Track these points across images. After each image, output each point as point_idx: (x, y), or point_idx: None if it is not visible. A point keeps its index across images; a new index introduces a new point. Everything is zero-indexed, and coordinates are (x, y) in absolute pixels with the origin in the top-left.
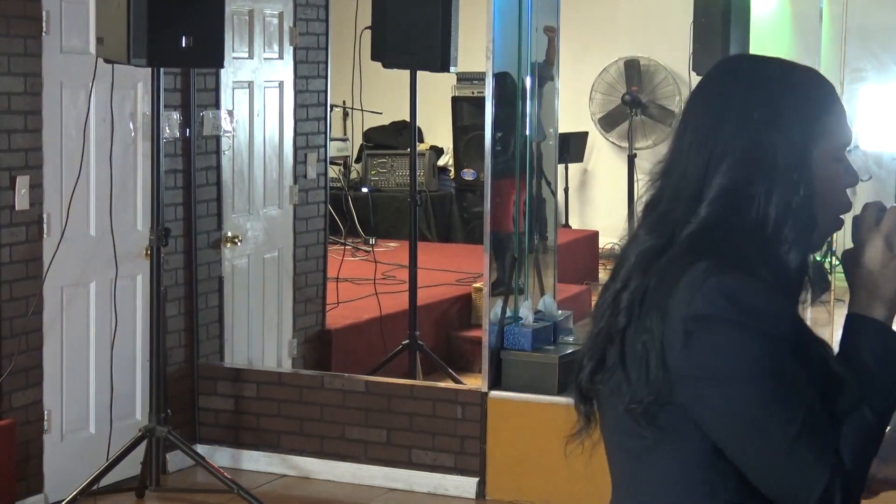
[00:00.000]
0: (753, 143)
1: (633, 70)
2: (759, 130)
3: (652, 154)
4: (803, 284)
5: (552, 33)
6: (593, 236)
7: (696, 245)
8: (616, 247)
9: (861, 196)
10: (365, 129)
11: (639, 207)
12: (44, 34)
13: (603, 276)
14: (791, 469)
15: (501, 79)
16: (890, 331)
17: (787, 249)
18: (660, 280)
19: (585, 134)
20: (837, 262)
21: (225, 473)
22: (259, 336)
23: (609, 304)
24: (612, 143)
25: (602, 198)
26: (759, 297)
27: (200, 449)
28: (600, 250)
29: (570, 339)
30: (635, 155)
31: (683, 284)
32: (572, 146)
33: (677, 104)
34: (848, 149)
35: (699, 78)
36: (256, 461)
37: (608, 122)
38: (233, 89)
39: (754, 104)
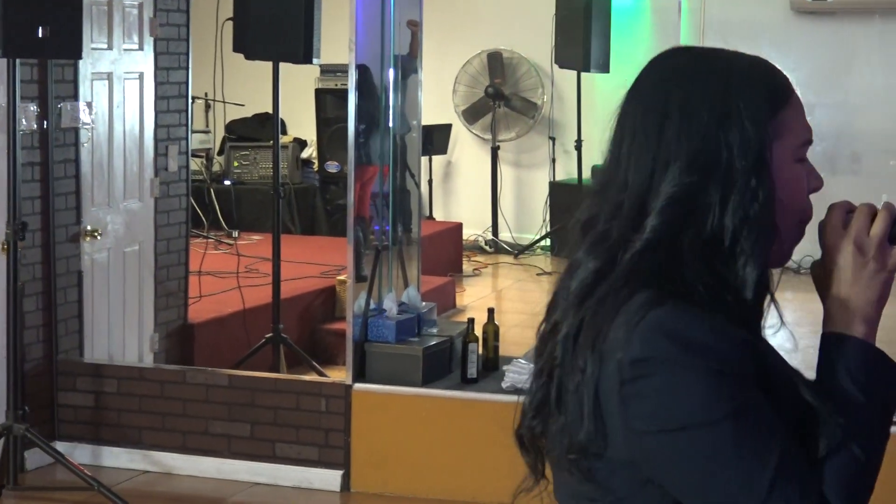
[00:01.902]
0: (704, 145)
1: (496, 62)
2: (710, 130)
3: (514, 146)
4: (763, 304)
5: (415, 27)
6: (457, 228)
7: (637, 270)
8: (480, 238)
9: None
10: (227, 121)
11: (575, 227)
12: None
13: (467, 267)
14: (790, 492)
15: (364, 71)
16: (871, 349)
17: (744, 263)
18: (594, 314)
19: (449, 126)
20: None
21: (85, 471)
22: (120, 331)
23: (547, 339)
24: (476, 135)
25: (466, 190)
26: (706, 332)
27: (60, 446)
28: (464, 242)
29: (434, 330)
30: (498, 147)
31: (620, 321)
32: (436, 138)
33: (540, 96)
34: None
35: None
36: (117, 458)
37: (471, 115)
38: (91, 81)
39: (701, 101)
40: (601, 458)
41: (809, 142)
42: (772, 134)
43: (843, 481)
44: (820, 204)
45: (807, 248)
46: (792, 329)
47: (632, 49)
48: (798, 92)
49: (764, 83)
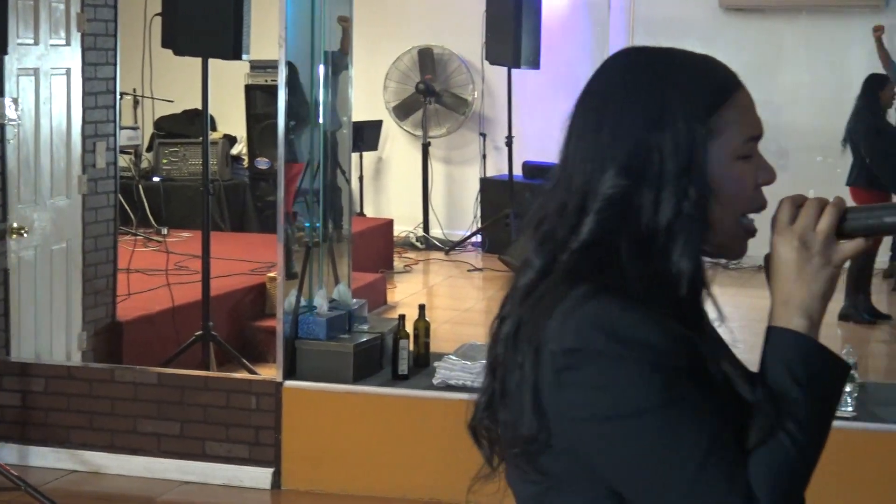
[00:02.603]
0: (636, 148)
1: (427, 59)
2: (643, 132)
3: (445, 142)
4: (700, 299)
5: (346, 23)
6: (388, 225)
7: (576, 267)
8: (411, 235)
9: None
10: (156, 117)
11: (528, 226)
12: None
13: (398, 263)
14: (707, 487)
15: (294, 67)
16: (810, 343)
17: (678, 259)
18: (533, 309)
19: (380, 122)
20: None
21: (11, 471)
22: (47, 329)
23: (493, 336)
24: (407, 131)
25: (397, 186)
26: (638, 324)
27: None
28: (395, 238)
29: (365, 327)
30: (429, 143)
31: (557, 314)
32: (366, 135)
33: (470, 92)
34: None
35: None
36: (45, 457)
37: (402, 111)
38: (17, 76)
39: (635, 103)
40: (547, 449)
41: (756, 137)
42: (708, 133)
43: (771, 474)
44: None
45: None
46: (724, 324)
47: (562, 46)
48: None
49: (702, 83)
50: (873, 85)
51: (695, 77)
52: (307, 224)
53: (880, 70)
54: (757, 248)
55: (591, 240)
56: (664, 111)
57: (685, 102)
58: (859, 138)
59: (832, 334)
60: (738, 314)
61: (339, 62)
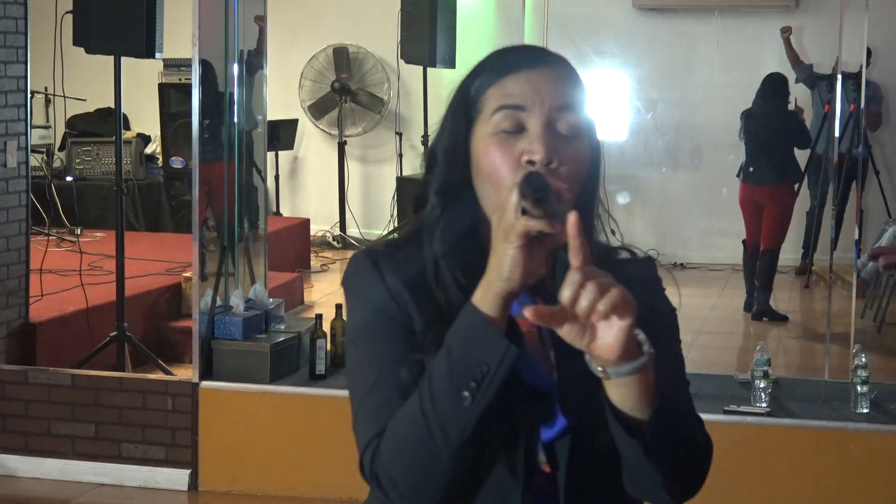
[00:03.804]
0: (434, 139)
1: (342, 57)
2: (439, 126)
3: (361, 141)
4: (461, 263)
5: (262, 22)
6: (305, 224)
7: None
8: (327, 234)
9: None
10: (68, 116)
11: None
12: None
13: (315, 262)
14: (355, 429)
15: (208, 66)
16: (472, 313)
17: (440, 233)
18: None
19: (295, 121)
20: None
21: None
22: None
23: None
24: (323, 130)
25: (313, 185)
26: (361, 272)
27: None
28: (312, 238)
29: (282, 327)
30: (345, 142)
31: None
32: (282, 133)
33: (386, 91)
34: (520, 119)
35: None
36: None
37: (318, 110)
38: None
39: (449, 99)
40: None
41: (507, 106)
42: (474, 115)
43: (392, 431)
44: (669, 198)
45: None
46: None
47: (477, 44)
48: (636, 88)
49: (478, 71)
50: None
51: (477, 68)
52: (222, 223)
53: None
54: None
55: (416, 219)
56: (452, 102)
57: (462, 91)
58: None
59: (745, 331)
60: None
61: (254, 61)
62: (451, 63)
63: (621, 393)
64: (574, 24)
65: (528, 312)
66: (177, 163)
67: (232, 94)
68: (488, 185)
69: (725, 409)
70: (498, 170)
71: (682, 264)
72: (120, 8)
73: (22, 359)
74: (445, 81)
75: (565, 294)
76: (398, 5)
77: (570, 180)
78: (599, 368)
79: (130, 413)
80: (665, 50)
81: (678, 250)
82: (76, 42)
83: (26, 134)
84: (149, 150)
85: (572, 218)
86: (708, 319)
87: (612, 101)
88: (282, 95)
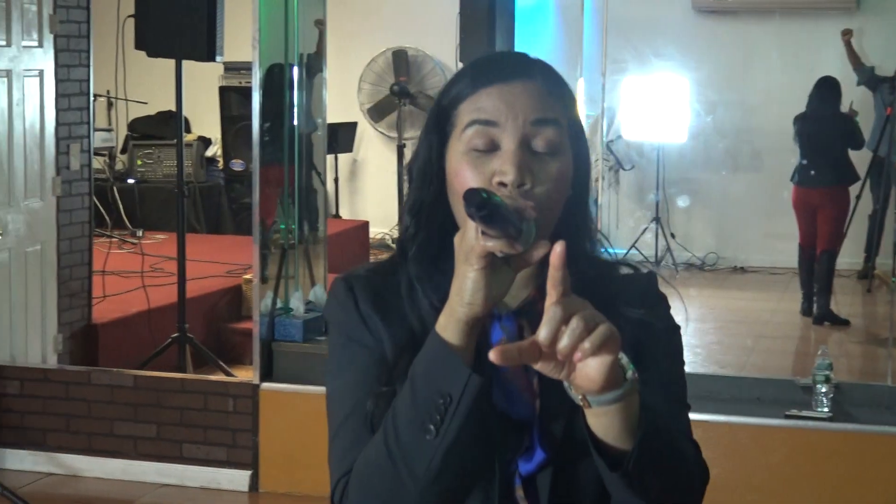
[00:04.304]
0: (409, 158)
1: (401, 60)
2: (416, 145)
3: None
4: (436, 285)
5: (322, 26)
6: (363, 226)
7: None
8: (387, 236)
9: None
10: (130, 119)
11: None
12: None
13: None
14: (329, 464)
15: (269, 69)
16: (436, 342)
17: (413, 253)
18: None
19: (354, 124)
20: (603, 250)
21: None
22: (22, 332)
23: None
24: (382, 133)
25: (372, 188)
26: (337, 299)
27: None
28: (371, 240)
29: None
30: (404, 145)
31: None
32: (341, 136)
33: None
34: (492, 136)
35: None
36: (21, 460)
37: (377, 113)
38: None
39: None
40: None
41: (478, 122)
42: (448, 130)
43: (359, 466)
44: (729, 201)
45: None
46: (696, 325)
47: (536, 47)
48: (695, 90)
49: (453, 82)
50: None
51: (451, 83)
52: (283, 226)
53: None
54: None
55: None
56: (428, 119)
57: (436, 107)
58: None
59: (806, 335)
60: (714, 315)
61: (313, 64)
62: None
63: (603, 422)
64: (633, 27)
65: (493, 355)
66: (237, 165)
67: (292, 98)
68: (461, 205)
69: (786, 413)
70: (465, 185)
71: (741, 268)
72: (181, 11)
73: (85, 360)
74: None
75: (542, 332)
76: (457, 8)
77: (547, 200)
78: (579, 396)
79: (192, 414)
80: (724, 52)
81: (738, 254)
82: (138, 45)
83: (89, 137)
84: (209, 152)
85: (559, 248)
86: (768, 323)
87: (671, 104)
88: (341, 98)
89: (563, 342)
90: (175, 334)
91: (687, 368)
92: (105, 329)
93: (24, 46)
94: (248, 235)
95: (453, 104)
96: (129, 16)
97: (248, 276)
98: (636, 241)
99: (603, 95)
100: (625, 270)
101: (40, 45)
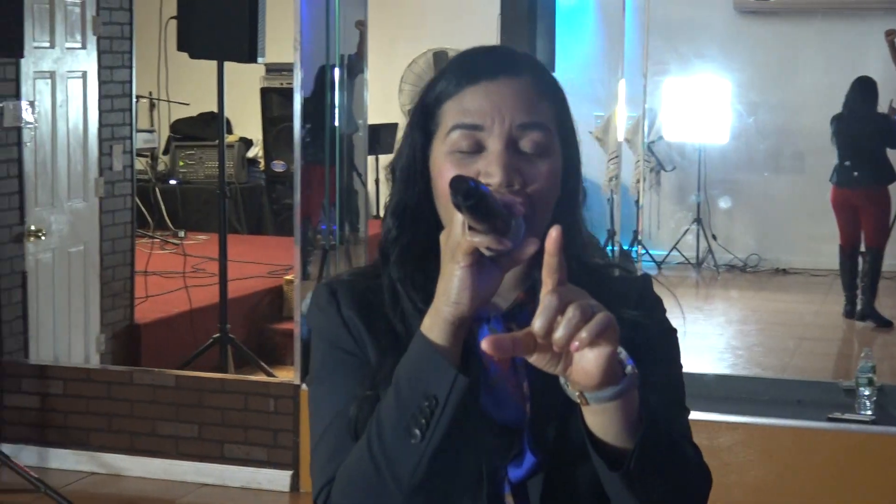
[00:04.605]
0: (393, 157)
1: (442, 61)
2: (399, 144)
3: None
4: (419, 287)
5: (363, 27)
6: None
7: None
8: None
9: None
10: (172, 120)
11: None
12: None
13: None
14: (312, 464)
15: (310, 70)
16: (421, 343)
17: (395, 255)
18: None
19: (395, 125)
20: (644, 251)
21: (31, 472)
22: (65, 332)
23: None
24: None
25: None
26: (319, 305)
27: (5, 448)
28: None
29: None
30: None
31: None
32: (382, 137)
33: None
34: (476, 138)
35: None
36: (64, 459)
37: None
38: (34, 79)
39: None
40: None
41: (462, 126)
42: (433, 129)
43: (345, 470)
44: (771, 203)
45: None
46: (738, 327)
47: (577, 48)
48: (737, 91)
49: (437, 79)
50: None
51: (435, 79)
52: (324, 227)
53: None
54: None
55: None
56: (411, 117)
57: (420, 105)
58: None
59: (849, 338)
60: (756, 317)
61: (354, 65)
62: (550, 66)
63: (601, 420)
64: (675, 28)
65: (485, 344)
66: (278, 166)
67: (333, 99)
68: (445, 207)
69: (829, 416)
70: (445, 186)
71: (783, 270)
72: (223, 13)
73: (127, 359)
74: None
75: (537, 323)
76: (498, 9)
77: (538, 199)
78: (576, 393)
79: (233, 414)
80: (766, 53)
81: (780, 255)
82: (180, 47)
83: (131, 138)
84: (251, 153)
85: (554, 233)
86: (810, 325)
87: (712, 105)
88: (382, 99)
89: (559, 332)
90: (216, 335)
91: (730, 371)
92: (147, 329)
93: (68, 48)
94: (290, 236)
95: (437, 102)
96: (172, 17)
97: (289, 277)
98: (677, 243)
99: (644, 97)
100: (618, 273)
101: (83, 47)
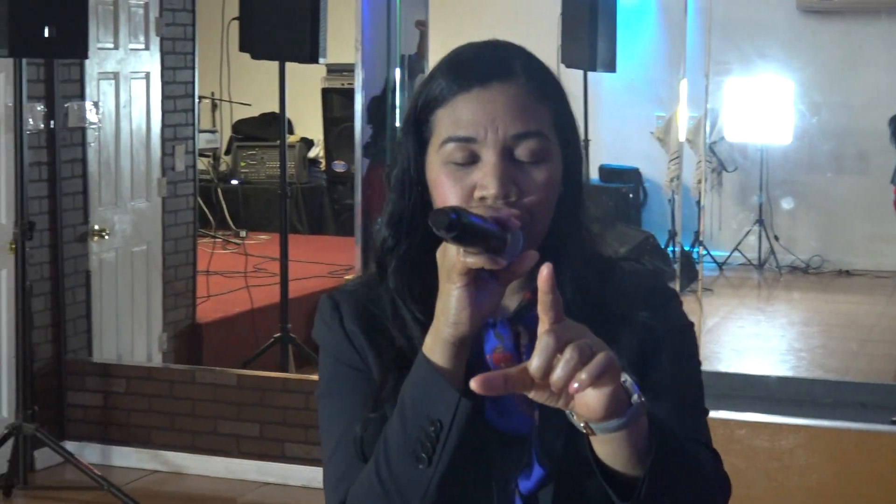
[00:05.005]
0: (389, 164)
1: None
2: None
3: None
4: (418, 298)
5: (423, 27)
6: None
7: None
8: None
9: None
10: (234, 120)
11: None
12: None
13: None
14: (324, 483)
15: (371, 71)
16: (422, 364)
17: (392, 267)
18: None
19: None
20: (705, 252)
21: (94, 470)
22: (128, 331)
23: None
24: None
25: None
26: (323, 317)
27: (69, 446)
28: None
29: None
30: None
31: None
32: None
33: None
34: (471, 147)
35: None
36: (127, 457)
37: None
38: (98, 80)
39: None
40: None
41: (455, 139)
42: (427, 136)
43: (355, 492)
44: (834, 204)
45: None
46: (800, 329)
47: (638, 48)
48: (800, 91)
49: (428, 81)
50: None
51: (426, 81)
52: None
53: None
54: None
55: None
56: (404, 121)
57: (412, 109)
58: None
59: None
60: (818, 318)
61: (415, 66)
62: (611, 67)
63: (609, 449)
64: (737, 27)
65: (474, 384)
66: (339, 166)
67: (394, 99)
68: None
69: (893, 419)
70: (443, 200)
71: (846, 271)
72: (285, 14)
73: (189, 358)
74: (606, 86)
75: (534, 363)
76: (559, 9)
77: (537, 209)
78: (581, 424)
79: (294, 413)
80: (830, 52)
81: (843, 257)
82: (242, 48)
83: (193, 138)
84: (312, 154)
85: (545, 271)
86: (874, 327)
87: (775, 105)
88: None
89: (557, 374)
90: (278, 334)
91: (792, 373)
92: (209, 328)
93: (131, 49)
94: (350, 236)
95: (430, 108)
96: (234, 18)
97: (349, 277)
98: (739, 244)
99: (706, 97)
100: (629, 267)
101: (147, 48)
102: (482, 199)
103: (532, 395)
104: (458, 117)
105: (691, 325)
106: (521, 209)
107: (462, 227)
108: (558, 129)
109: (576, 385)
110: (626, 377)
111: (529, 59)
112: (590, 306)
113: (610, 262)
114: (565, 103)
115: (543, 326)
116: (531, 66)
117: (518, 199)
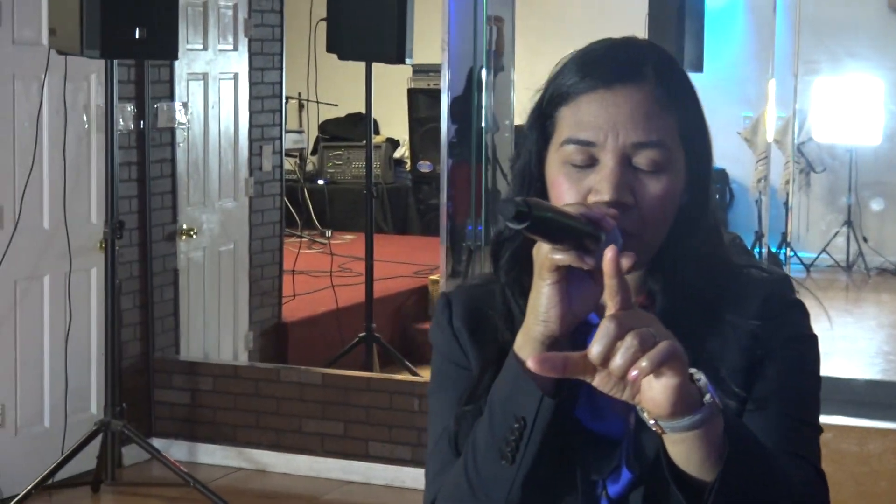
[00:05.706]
0: (512, 158)
1: None
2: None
3: None
4: (527, 294)
5: (500, 23)
6: None
7: None
8: None
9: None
10: (321, 120)
11: None
12: None
13: None
14: (425, 479)
15: (457, 71)
16: (511, 362)
17: (507, 258)
18: None
19: None
20: (792, 254)
21: (181, 467)
22: (215, 329)
23: None
24: None
25: None
26: (436, 315)
27: (156, 443)
28: None
29: None
30: None
31: None
32: None
33: None
34: (586, 151)
35: None
36: (212, 455)
37: None
38: (187, 81)
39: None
40: None
41: (574, 140)
42: (549, 132)
43: (445, 490)
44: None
45: None
46: (890, 332)
47: (726, 48)
48: (890, 91)
49: (555, 79)
50: None
51: (556, 74)
52: (469, 227)
53: None
54: None
55: None
56: (533, 111)
57: (540, 102)
58: None
59: None
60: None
61: (494, 63)
62: (698, 67)
63: (681, 450)
64: (826, 26)
65: (531, 363)
66: (425, 167)
67: (479, 99)
68: None
69: None
70: (561, 201)
71: None
72: (372, 15)
73: (274, 357)
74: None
75: (594, 348)
76: (646, 8)
77: (651, 219)
78: (651, 421)
79: (378, 413)
80: None
81: None
82: (329, 48)
83: (281, 138)
84: (397, 154)
85: (609, 254)
86: None
87: (865, 106)
88: (530, 101)
89: (617, 360)
90: (362, 334)
91: (880, 376)
92: (294, 327)
93: (220, 50)
94: (435, 236)
95: (555, 103)
96: (321, 19)
97: (434, 277)
98: (827, 245)
99: (795, 97)
100: (756, 275)
101: (235, 49)
102: (595, 201)
103: (596, 382)
104: (581, 119)
105: (813, 336)
106: (635, 217)
107: (533, 219)
108: (683, 138)
109: (635, 373)
110: (700, 376)
111: (663, 62)
112: (697, 314)
113: (734, 270)
114: (695, 110)
115: (608, 312)
116: (663, 68)
117: (632, 207)
